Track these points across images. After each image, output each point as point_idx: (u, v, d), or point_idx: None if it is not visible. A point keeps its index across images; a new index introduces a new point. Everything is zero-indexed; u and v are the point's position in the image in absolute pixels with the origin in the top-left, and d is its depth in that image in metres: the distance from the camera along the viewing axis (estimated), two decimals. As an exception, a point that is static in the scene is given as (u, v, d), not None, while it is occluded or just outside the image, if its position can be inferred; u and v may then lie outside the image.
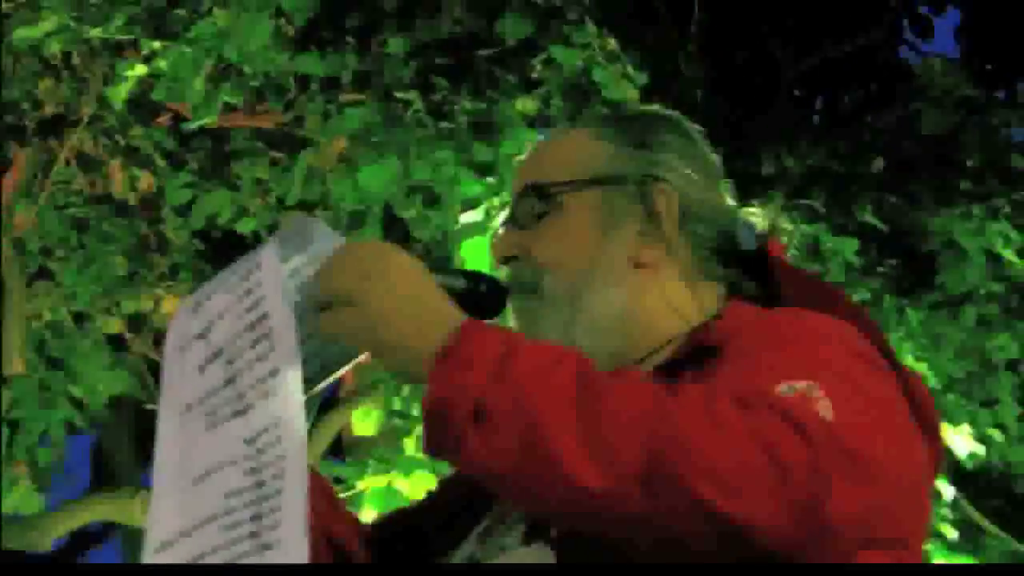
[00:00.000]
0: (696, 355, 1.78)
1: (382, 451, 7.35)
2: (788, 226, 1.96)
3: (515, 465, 1.56)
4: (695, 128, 2.01)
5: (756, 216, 1.99)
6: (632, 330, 1.87)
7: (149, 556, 1.74)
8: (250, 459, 1.65)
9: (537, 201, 1.92)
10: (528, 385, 1.57)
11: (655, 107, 2.06)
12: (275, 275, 1.69)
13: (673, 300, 1.89)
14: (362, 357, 1.75)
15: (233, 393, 1.69)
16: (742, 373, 1.68)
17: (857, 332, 1.77)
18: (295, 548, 1.57)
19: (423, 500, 2.08)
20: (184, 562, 1.68)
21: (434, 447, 1.61)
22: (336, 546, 1.94)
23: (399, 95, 6.28)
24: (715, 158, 1.99)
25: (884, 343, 1.79)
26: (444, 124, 6.26)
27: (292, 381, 1.64)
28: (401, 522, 2.04)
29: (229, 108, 6.52)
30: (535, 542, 1.74)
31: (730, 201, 1.98)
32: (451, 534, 1.88)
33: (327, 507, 1.95)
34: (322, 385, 1.78)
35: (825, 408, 1.59)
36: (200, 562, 1.66)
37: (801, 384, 1.61)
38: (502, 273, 1.95)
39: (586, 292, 1.87)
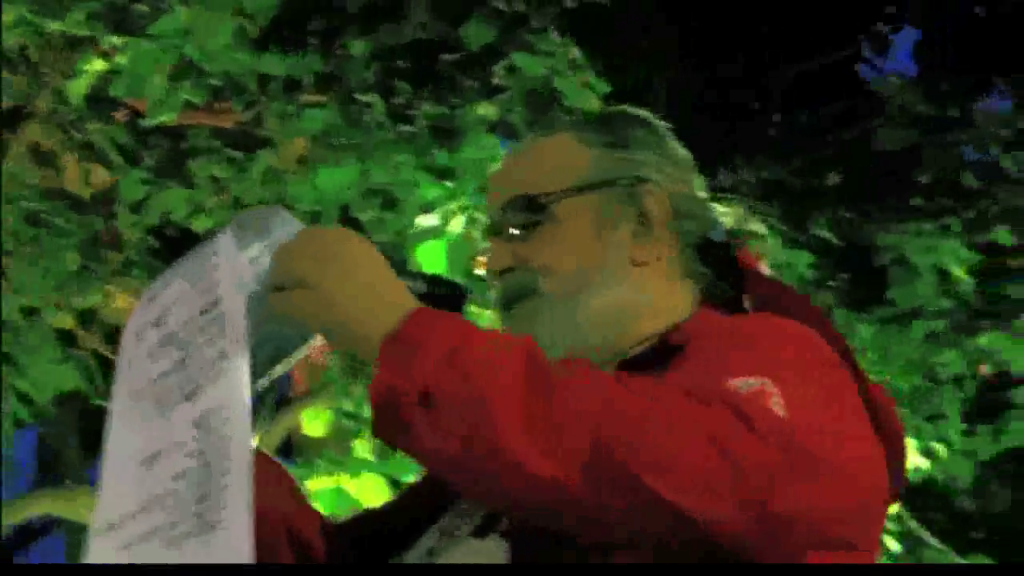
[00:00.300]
0: (663, 354, 1.79)
1: (331, 452, 7.36)
2: (759, 229, 1.96)
3: (461, 451, 1.56)
4: (663, 124, 2.02)
5: (724, 214, 2.01)
6: (622, 327, 1.88)
7: (94, 538, 1.74)
8: (197, 441, 1.65)
9: (528, 212, 1.92)
10: (477, 371, 1.56)
11: (623, 107, 2.06)
12: (230, 260, 1.69)
13: (657, 299, 1.90)
14: (316, 341, 1.75)
15: (183, 377, 1.69)
16: (699, 369, 1.68)
17: (821, 338, 1.77)
18: (238, 528, 1.58)
19: (392, 501, 2.09)
20: (128, 543, 1.69)
21: (382, 431, 1.61)
22: (297, 541, 1.94)
23: (360, 97, 6.28)
24: (686, 153, 2.00)
25: (847, 351, 1.80)
26: (404, 128, 6.27)
27: (240, 364, 1.64)
28: (370, 521, 2.05)
29: (189, 106, 6.49)
30: (490, 534, 1.75)
31: (704, 194, 2.00)
32: (414, 530, 1.89)
33: (290, 502, 1.95)
34: (277, 370, 1.78)
35: (779, 405, 1.60)
36: (144, 543, 1.67)
37: (756, 381, 1.62)
38: (494, 285, 1.95)
39: (586, 290, 1.88)
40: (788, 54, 7.46)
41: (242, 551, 1.57)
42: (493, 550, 1.73)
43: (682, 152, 1.99)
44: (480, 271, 1.97)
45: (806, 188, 7.04)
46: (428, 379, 1.57)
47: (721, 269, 1.95)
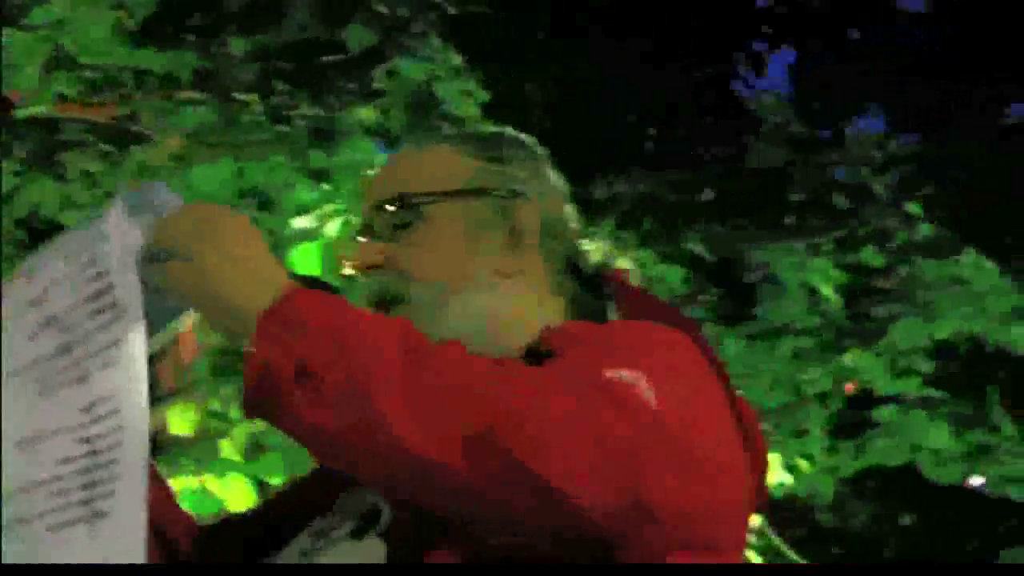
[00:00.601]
0: (535, 359, 1.79)
1: (197, 451, 7.29)
2: (627, 264, 2.01)
3: (340, 427, 1.57)
4: (543, 150, 2.04)
5: (593, 250, 2.04)
6: (491, 338, 1.87)
7: None
8: (84, 428, 1.64)
9: (401, 212, 1.92)
10: (357, 347, 1.57)
11: (506, 128, 2.08)
12: (122, 244, 1.68)
13: (527, 312, 1.91)
14: (189, 319, 1.75)
15: (68, 362, 1.68)
16: (574, 363, 1.70)
17: (693, 344, 1.80)
18: (131, 517, 1.58)
19: (262, 505, 2.08)
20: (3, 526, 1.67)
21: (258, 408, 1.60)
22: (165, 542, 1.93)
23: (238, 96, 6.25)
24: (563, 180, 2.02)
25: (716, 361, 1.83)
26: (282, 128, 6.26)
27: (137, 353, 1.63)
28: (240, 525, 2.04)
29: (64, 98, 6.42)
30: (367, 536, 1.75)
31: (576, 223, 2.02)
32: (288, 532, 1.88)
33: (160, 501, 1.94)
34: (150, 345, 1.72)
35: (651, 398, 1.63)
36: (24, 527, 1.66)
37: (630, 374, 1.65)
38: (365, 283, 1.96)
39: (452, 298, 1.88)
40: (665, 68, 7.53)
41: (135, 543, 1.58)
42: (370, 551, 1.73)
43: (559, 179, 2.02)
44: (347, 271, 1.96)
45: (680, 202, 7.10)
46: (306, 353, 1.57)
47: (589, 285, 1.97)
